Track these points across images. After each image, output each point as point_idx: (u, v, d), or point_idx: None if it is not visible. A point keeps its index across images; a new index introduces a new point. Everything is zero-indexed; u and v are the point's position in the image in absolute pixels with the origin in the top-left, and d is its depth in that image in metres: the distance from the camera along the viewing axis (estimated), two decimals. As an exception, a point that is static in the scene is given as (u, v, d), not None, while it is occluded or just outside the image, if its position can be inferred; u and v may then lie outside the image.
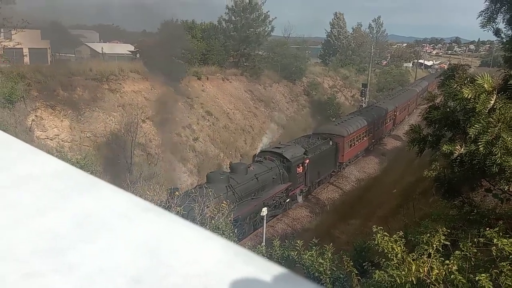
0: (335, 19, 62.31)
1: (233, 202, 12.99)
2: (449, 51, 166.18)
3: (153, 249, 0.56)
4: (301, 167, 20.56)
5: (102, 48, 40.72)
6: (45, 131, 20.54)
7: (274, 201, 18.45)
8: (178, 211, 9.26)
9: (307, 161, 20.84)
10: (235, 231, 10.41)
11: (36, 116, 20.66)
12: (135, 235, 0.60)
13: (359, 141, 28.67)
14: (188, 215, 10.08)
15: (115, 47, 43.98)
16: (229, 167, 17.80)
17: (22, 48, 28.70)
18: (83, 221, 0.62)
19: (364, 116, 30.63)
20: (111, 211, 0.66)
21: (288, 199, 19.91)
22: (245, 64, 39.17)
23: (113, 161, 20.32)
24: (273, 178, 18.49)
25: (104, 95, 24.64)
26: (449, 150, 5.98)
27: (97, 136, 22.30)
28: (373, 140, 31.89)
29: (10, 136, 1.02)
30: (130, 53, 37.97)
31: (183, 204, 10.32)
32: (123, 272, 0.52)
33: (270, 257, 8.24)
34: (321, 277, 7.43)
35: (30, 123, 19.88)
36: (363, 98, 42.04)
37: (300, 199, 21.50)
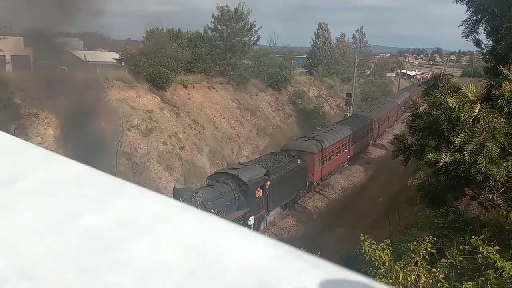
0: (319, 30, 63.06)
1: None
2: (431, 62, 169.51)
3: (202, 248, 0.57)
4: (261, 190, 18.44)
5: (85, 56, 40.24)
6: (28, 139, 20.14)
7: None
8: None
9: (268, 183, 18.71)
10: None
11: (19, 124, 20.29)
12: (179, 235, 0.60)
13: (334, 157, 26.59)
14: None
15: (99, 55, 43.54)
16: (172, 194, 15.42)
17: (4, 56, 28.21)
18: (122, 223, 0.62)
19: (342, 128, 29.06)
20: (147, 213, 0.66)
21: (246, 228, 17.72)
22: (231, 73, 39.23)
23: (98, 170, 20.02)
24: (226, 204, 16.22)
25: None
26: (434, 159, 6.06)
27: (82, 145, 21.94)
28: (348, 156, 29.76)
29: (21, 140, 0.99)
30: (115, 61, 37.63)
31: None
32: (177, 269, 0.53)
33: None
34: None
35: (13, 131, 19.48)
36: (347, 108, 42.46)
37: (262, 225, 19.48)
